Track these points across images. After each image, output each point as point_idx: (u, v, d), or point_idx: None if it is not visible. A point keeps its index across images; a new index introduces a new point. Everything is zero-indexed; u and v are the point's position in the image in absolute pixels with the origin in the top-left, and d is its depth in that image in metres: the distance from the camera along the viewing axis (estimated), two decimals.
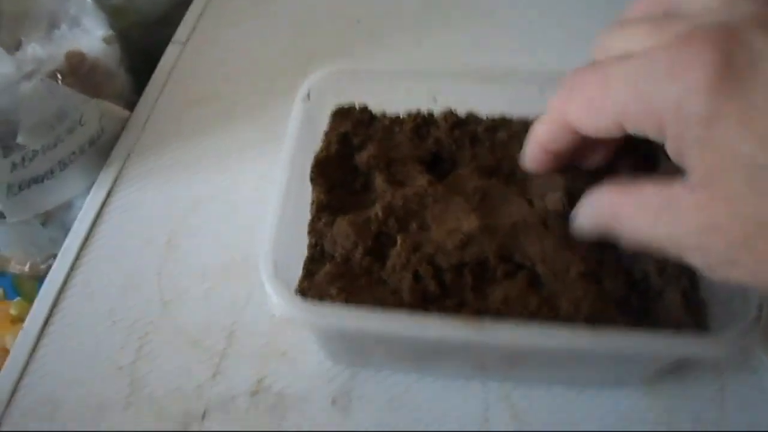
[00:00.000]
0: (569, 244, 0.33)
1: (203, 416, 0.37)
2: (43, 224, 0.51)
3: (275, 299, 0.29)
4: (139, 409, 0.38)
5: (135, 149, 0.50)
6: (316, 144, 0.38)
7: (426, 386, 0.38)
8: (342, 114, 0.39)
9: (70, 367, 0.39)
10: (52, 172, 0.47)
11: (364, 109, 0.39)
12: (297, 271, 0.34)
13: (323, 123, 0.39)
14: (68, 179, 0.48)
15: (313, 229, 0.35)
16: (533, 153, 0.33)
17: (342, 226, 0.34)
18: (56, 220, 0.52)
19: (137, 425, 0.37)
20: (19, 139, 0.44)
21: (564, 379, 0.37)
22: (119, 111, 0.51)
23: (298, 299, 0.30)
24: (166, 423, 0.37)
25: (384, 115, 0.40)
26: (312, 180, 0.36)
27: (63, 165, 0.48)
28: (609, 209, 0.27)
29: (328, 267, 0.33)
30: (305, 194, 0.36)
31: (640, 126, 0.25)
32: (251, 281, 0.42)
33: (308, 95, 0.37)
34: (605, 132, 0.26)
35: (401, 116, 0.39)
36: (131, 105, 0.53)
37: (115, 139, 0.51)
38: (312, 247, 0.35)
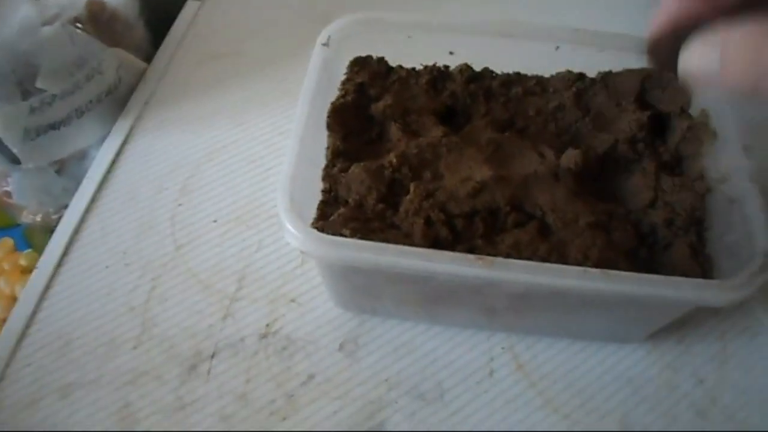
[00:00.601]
0: (579, 196, 0.33)
1: (212, 356, 0.38)
2: (58, 172, 0.52)
3: (292, 231, 0.29)
4: (149, 348, 0.38)
5: (151, 100, 0.50)
6: (333, 92, 0.38)
7: (433, 336, 0.38)
8: (359, 64, 0.40)
9: (83, 305, 0.40)
10: (69, 119, 0.48)
11: (381, 60, 0.40)
12: (311, 214, 0.35)
13: (341, 71, 0.39)
14: (85, 127, 0.49)
15: (328, 175, 0.36)
16: None
17: (356, 172, 0.34)
18: (71, 170, 0.53)
19: (147, 362, 0.38)
20: (39, 83, 0.45)
21: (568, 331, 0.37)
22: (137, 62, 0.51)
23: (313, 232, 0.30)
24: (176, 361, 0.38)
25: (401, 67, 0.40)
26: (328, 126, 0.37)
27: (80, 113, 0.48)
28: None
29: (342, 210, 0.33)
30: (321, 140, 0.37)
31: None
32: (262, 229, 0.43)
33: (327, 41, 0.37)
34: None
35: (417, 69, 0.40)
36: (148, 58, 0.53)
37: (131, 90, 0.51)
38: (326, 192, 0.35)
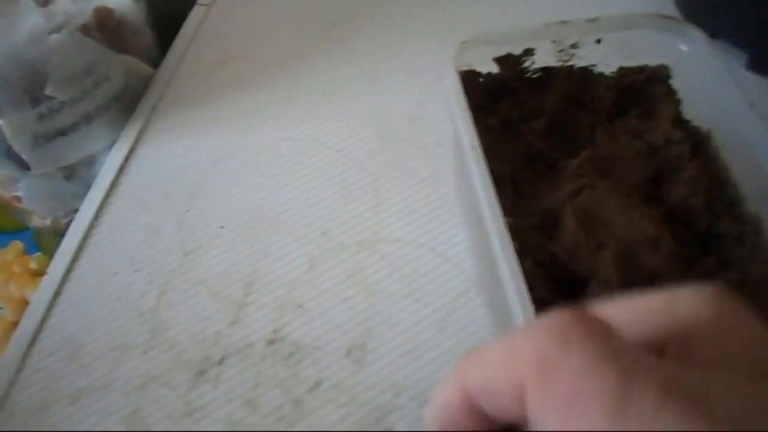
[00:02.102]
0: None
1: (220, 361, 0.38)
2: (67, 178, 0.52)
3: None
4: (158, 353, 0.39)
5: (159, 106, 0.51)
6: None
7: (439, 343, 0.38)
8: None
9: (92, 311, 0.41)
10: (77, 125, 0.48)
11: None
12: None
13: None
14: (93, 133, 0.49)
15: None
16: None
17: None
18: (79, 176, 0.53)
19: (157, 368, 0.38)
20: (48, 91, 0.45)
21: None
22: (144, 68, 0.51)
23: None
24: (185, 367, 0.38)
25: None
26: None
27: (88, 119, 0.49)
28: None
29: None
30: None
31: None
32: (269, 235, 0.43)
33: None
34: None
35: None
36: (156, 64, 0.54)
37: (139, 96, 0.51)
38: None
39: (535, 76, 0.38)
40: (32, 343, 0.39)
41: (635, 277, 0.29)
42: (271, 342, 0.39)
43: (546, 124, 0.36)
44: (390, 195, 0.45)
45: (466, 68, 0.36)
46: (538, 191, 0.34)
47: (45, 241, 0.60)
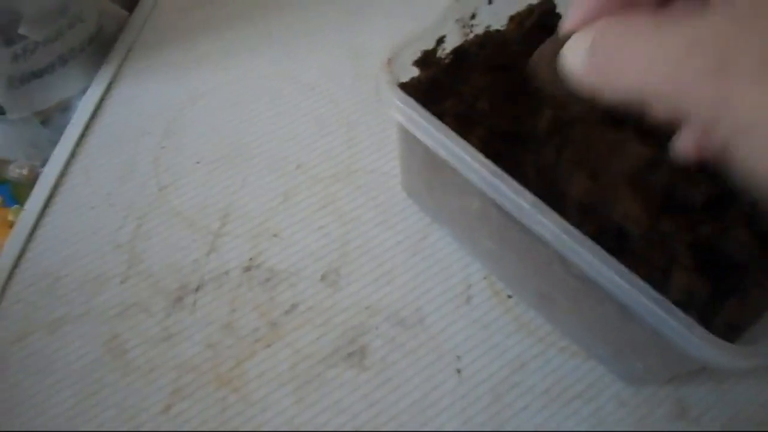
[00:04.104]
0: None
1: (197, 288, 0.39)
2: (43, 123, 0.52)
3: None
4: (136, 282, 0.39)
5: (135, 47, 0.51)
6: None
7: (412, 266, 0.39)
8: None
9: (70, 244, 0.41)
10: (52, 66, 0.48)
11: None
12: None
13: None
14: (68, 76, 0.49)
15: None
16: None
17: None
18: (56, 122, 0.53)
19: (134, 296, 0.39)
20: (22, 30, 0.45)
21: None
22: (118, 10, 0.51)
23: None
24: (162, 294, 0.39)
25: None
26: None
27: (63, 61, 0.48)
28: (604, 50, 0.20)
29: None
30: None
31: None
32: (245, 168, 0.44)
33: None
34: None
35: None
36: (130, 7, 0.53)
37: (113, 39, 0.51)
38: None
39: (449, 61, 0.37)
40: (10, 276, 0.40)
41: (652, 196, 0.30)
42: (247, 269, 0.39)
43: (489, 102, 0.35)
44: (364, 129, 0.45)
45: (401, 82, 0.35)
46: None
47: (22, 194, 0.59)
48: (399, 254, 0.39)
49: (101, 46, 0.51)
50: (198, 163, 0.44)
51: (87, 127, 0.46)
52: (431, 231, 0.40)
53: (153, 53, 0.50)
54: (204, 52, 0.50)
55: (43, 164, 0.57)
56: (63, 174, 0.44)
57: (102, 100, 0.48)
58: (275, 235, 0.41)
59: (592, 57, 0.20)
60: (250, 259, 0.40)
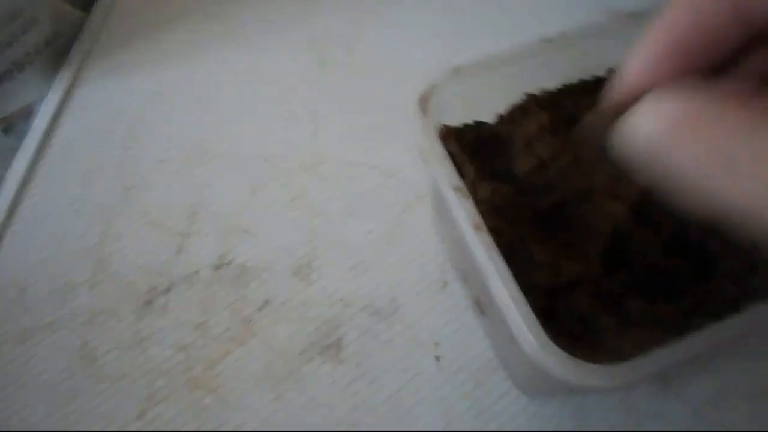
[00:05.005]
0: None
1: (167, 290, 0.38)
2: (5, 131, 0.51)
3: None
4: (104, 288, 0.38)
5: (94, 49, 0.50)
6: None
7: (387, 255, 0.39)
8: None
9: (36, 252, 0.40)
10: (9, 72, 0.47)
11: None
12: None
13: None
14: (27, 81, 0.48)
15: None
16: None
17: None
18: (17, 129, 0.52)
19: (103, 302, 0.38)
20: None
21: None
22: (72, 11, 0.50)
23: None
24: (132, 298, 0.38)
25: None
26: None
27: (20, 66, 0.47)
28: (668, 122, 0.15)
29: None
30: None
31: None
32: (211, 166, 0.43)
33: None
34: None
35: None
36: (85, 8, 0.52)
37: (70, 40, 0.50)
38: None
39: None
40: None
41: None
42: (217, 267, 0.39)
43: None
44: (330, 120, 0.44)
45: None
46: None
47: None
48: (372, 244, 0.39)
49: (59, 49, 0.49)
50: (163, 162, 0.43)
51: (48, 133, 0.45)
52: (405, 218, 0.40)
53: (112, 54, 0.49)
54: (164, 50, 0.49)
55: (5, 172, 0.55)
56: (25, 182, 0.43)
57: (62, 103, 0.46)
58: (245, 231, 0.40)
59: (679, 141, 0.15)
60: (220, 256, 0.39)
